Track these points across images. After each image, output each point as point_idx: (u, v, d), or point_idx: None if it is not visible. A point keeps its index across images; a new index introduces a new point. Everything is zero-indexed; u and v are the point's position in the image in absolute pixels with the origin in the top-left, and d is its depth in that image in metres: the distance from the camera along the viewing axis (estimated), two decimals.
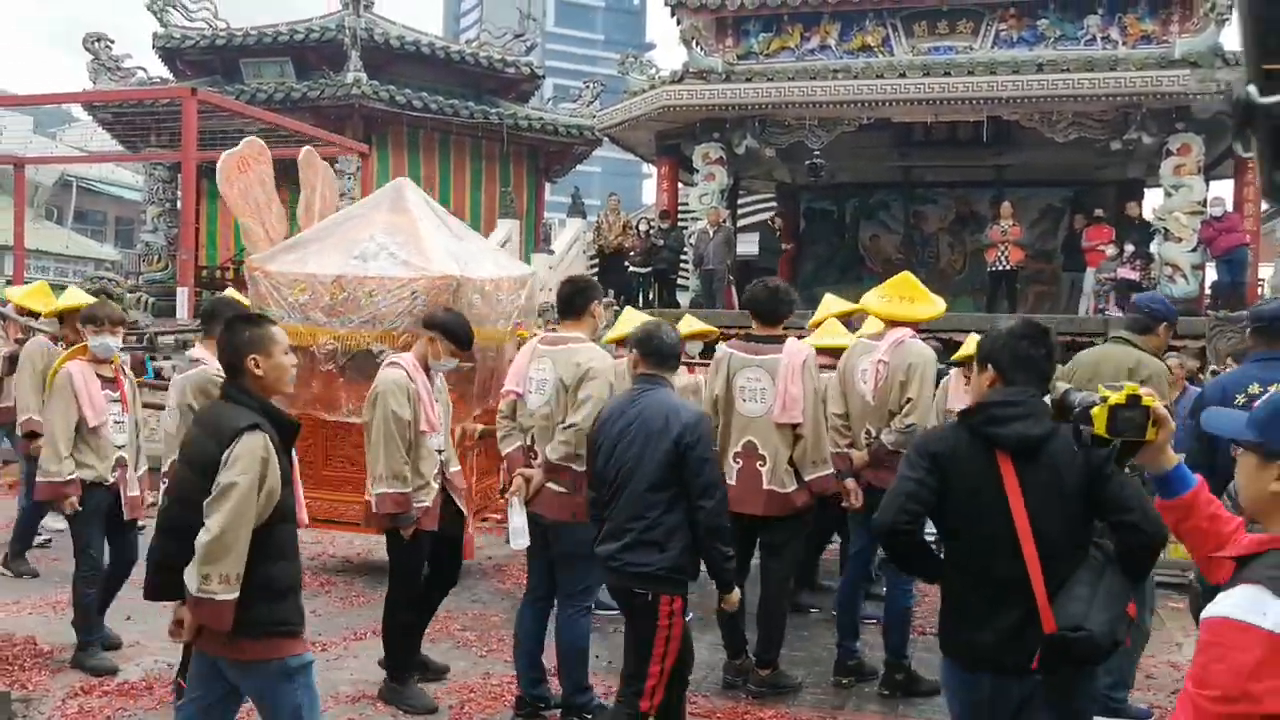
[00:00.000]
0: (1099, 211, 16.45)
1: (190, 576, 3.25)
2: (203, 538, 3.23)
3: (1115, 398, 2.42)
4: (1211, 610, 1.86)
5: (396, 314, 7.08)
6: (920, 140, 18.06)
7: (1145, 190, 18.50)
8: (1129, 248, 15.36)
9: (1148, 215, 16.49)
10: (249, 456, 3.26)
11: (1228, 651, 1.79)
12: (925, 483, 3.13)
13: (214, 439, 3.32)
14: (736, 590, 4.44)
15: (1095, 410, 2.44)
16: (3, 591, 6.24)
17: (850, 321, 7.70)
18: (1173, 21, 15.60)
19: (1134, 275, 15.17)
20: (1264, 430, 2.02)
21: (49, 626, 6.25)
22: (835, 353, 6.56)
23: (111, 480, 5.73)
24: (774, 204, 21.37)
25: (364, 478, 5.47)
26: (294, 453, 3.62)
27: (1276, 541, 1.93)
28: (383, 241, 7.40)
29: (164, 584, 3.42)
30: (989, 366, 3.22)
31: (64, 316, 7.55)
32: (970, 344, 7.56)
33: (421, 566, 5.38)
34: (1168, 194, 15.13)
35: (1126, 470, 2.59)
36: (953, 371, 7.85)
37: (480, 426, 7.48)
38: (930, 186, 19.91)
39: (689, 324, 7.74)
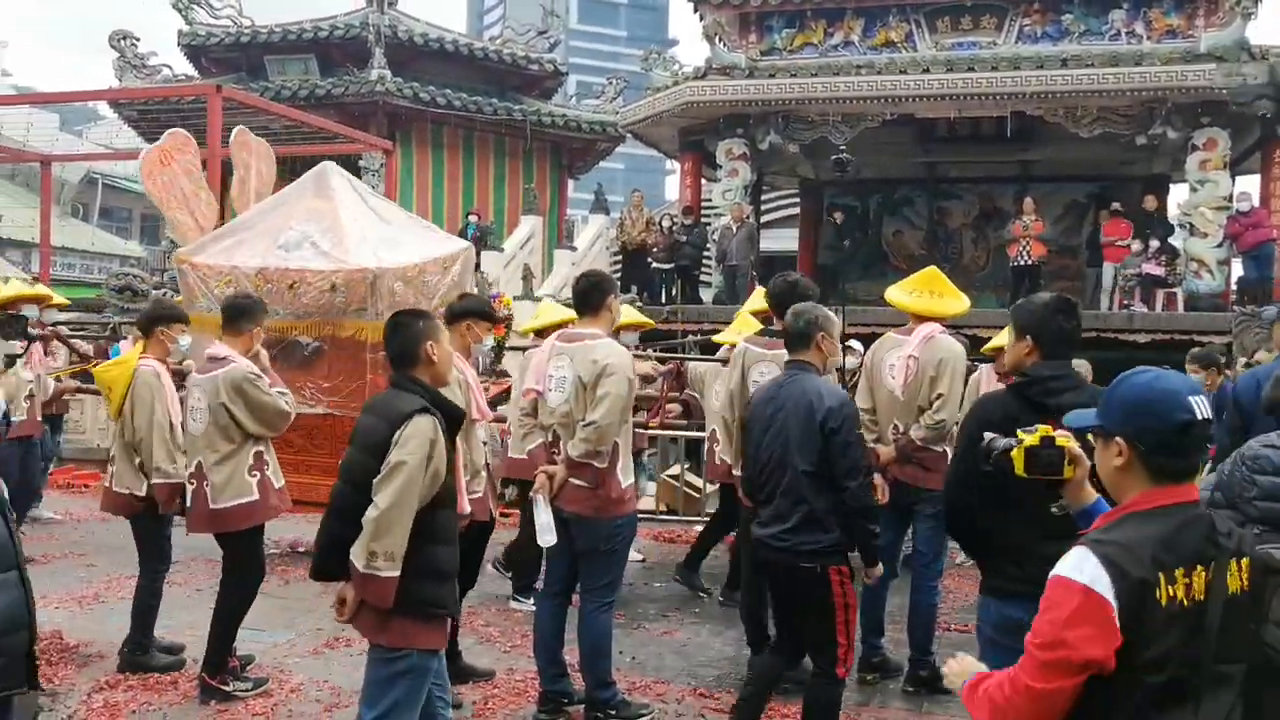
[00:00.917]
0: (1116, 206, 16.33)
1: (357, 553, 3.41)
2: (370, 513, 3.39)
3: (1030, 440, 2.49)
4: (1051, 571, 2.13)
5: (318, 306, 7.36)
6: (944, 136, 18.01)
7: (1171, 185, 18.36)
8: (1154, 243, 15.24)
9: (1173, 210, 16.37)
10: (419, 438, 3.44)
11: (1052, 604, 2.08)
12: None
13: (386, 421, 3.50)
14: (880, 565, 4.54)
15: (1014, 452, 2.52)
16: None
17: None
18: (1198, 15, 15.46)
19: (1159, 271, 15.07)
20: (1100, 414, 2.29)
21: (74, 622, 6.30)
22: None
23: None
24: (797, 200, 21.33)
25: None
26: (458, 441, 3.80)
27: (1114, 514, 2.23)
28: (305, 230, 7.56)
29: (330, 563, 3.58)
30: (1028, 338, 3.47)
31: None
32: (1003, 337, 7.51)
33: (477, 562, 5.45)
34: (1193, 189, 15.03)
35: (1054, 509, 2.66)
36: (984, 367, 7.81)
37: None
38: (954, 182, 19.82)
39: (628, 314, 7.76)
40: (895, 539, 5.68)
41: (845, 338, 9.13)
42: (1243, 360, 10.01)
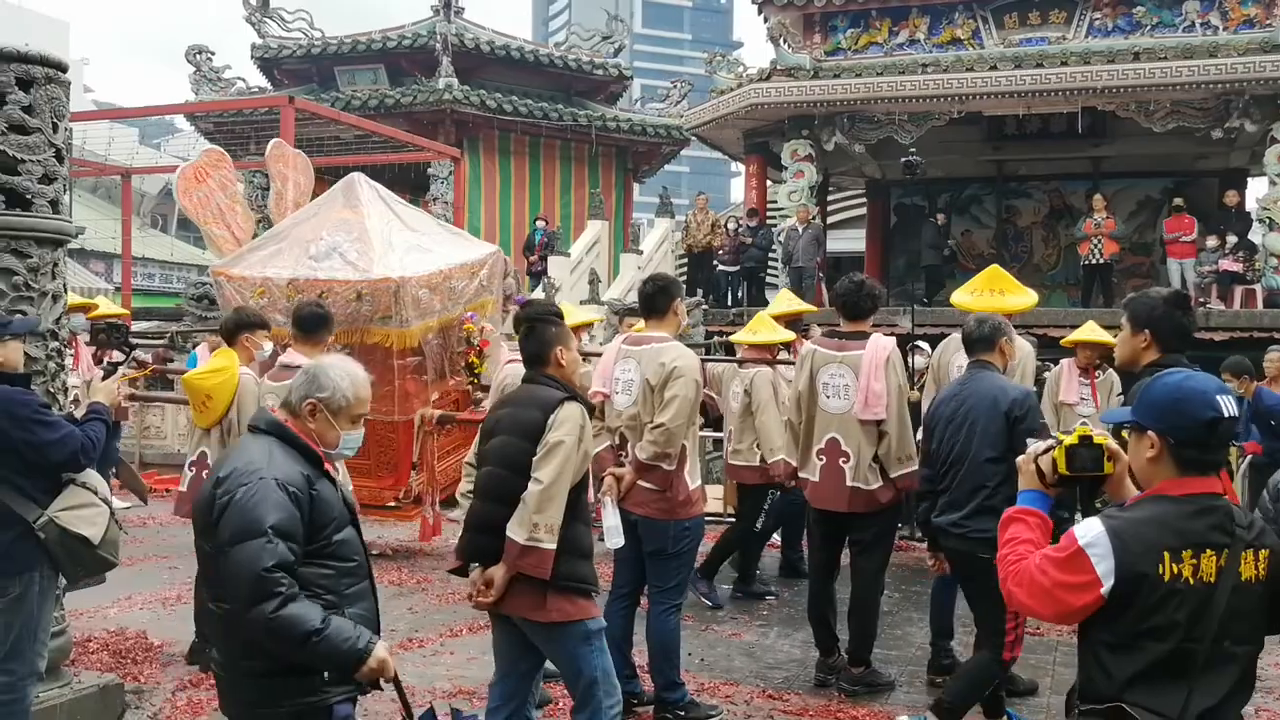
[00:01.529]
0: (1178, 202, 16.01)
1: (518, 528, 3.67)
2: (533, 489, 3.67)
3: (1069, 440, 2.61)
4: None
5: (346, 315, 7.67)
6: (1012, 133, 17.78)
7: (1249, 180, 17.93)
8: (1231, 239, 14.91)
9: (1250, 205, 15.99)
10: (571, 421, 3.76)
11: (1058, 548, 2.45)
12: None
13: (538, 408, 3.79)
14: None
15: (1055, 452, 2.62)
16: (115, 587, 6.49)
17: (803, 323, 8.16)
18: (1276, 4, 15.07)
19: (1236, 267, 14.76)
20: (1135, 411, 2.52)
21: (159, 622, 6.48)
22: (768, 347, 7.18)
23: None
24: (864, 200, 21.19)
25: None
26: None
27: (1138, 498, 2.49)
28: (335, 240, 7.87)
29: (481, 546, 3.81)
30: (1146, 332, 3.58)
31: None
32: (1085, 331, 7.43)
33: None
34: (1272, 183, 14.66)
35: (1096, 505, 2.84)
36: (1065, 362, 7.74)
37: (439, 412, 7.93)
38: (1023, 180, 19.54)
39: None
40: None
41: (914, 339, 9.14)
42: None
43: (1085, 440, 2.59)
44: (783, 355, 7.46)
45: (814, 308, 10.02)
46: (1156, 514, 2.40)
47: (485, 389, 8.59)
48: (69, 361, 6.99)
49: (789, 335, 7.46)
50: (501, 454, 3.83)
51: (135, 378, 9.40)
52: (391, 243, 7.95)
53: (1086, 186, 18.07)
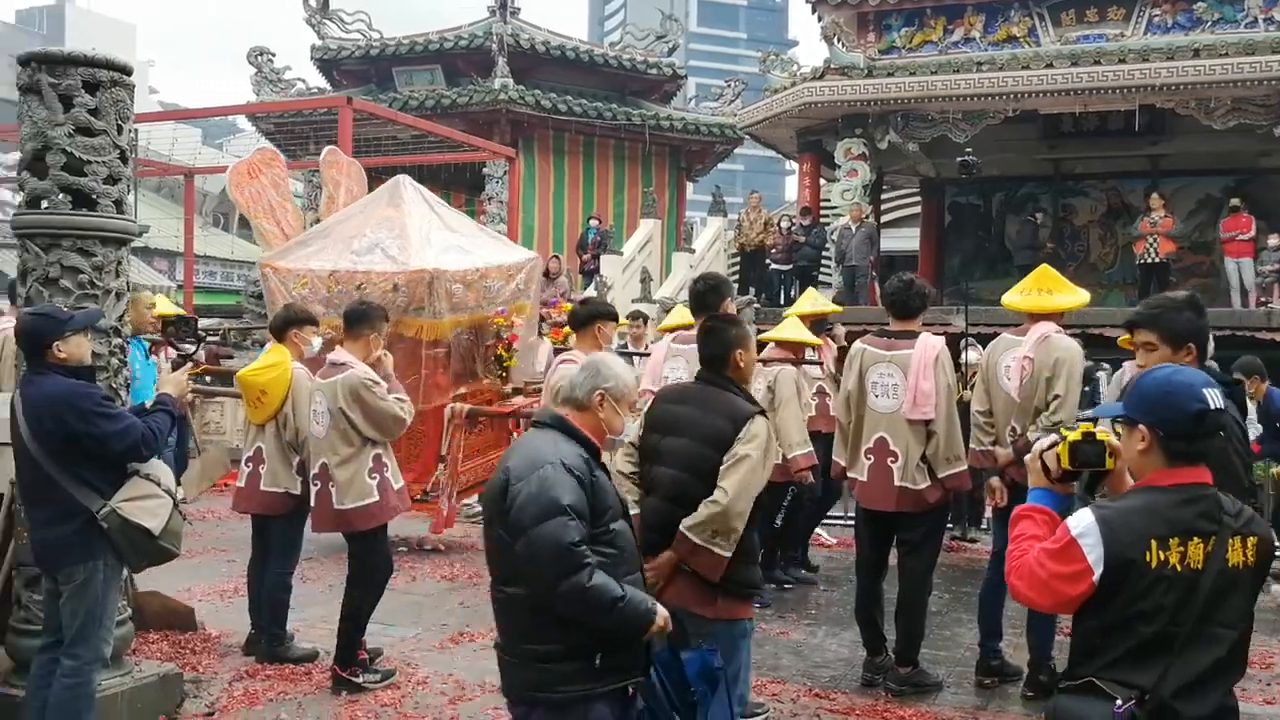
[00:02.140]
0: (1235, 202, 15.74)
1: (695, 527, 3.79)
2: (719, 497, 3.78)
3: (1073, 435, 2.70)
4: None
5: (381, 305, 7.72)
6: (1069, 131, 17.55)
7: None
8: None
9: None
10: (760, 436, 3.88)
11: (1054, 542, 2.53)
12: None
13: (727, 419, 3.89)
14: None
15: (1059, 448, 2.72)
16: (174, 579, 6.62)
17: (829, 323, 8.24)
18: None
19: None
20: (1126, 405, 2.62)
21: (217, 614, 6.60)
22: (795, 347, 7.30)
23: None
24: (918, 199, 21.04)
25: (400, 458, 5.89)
26: None
27: (1130, 491, 2.59)
28: (376, 237, 8.11)
29: (657, 543, 3.89)
30: (1191, 346, 3.49)
31: None
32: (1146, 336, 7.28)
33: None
34: None
35: (1096, 496, 2.87)
36: (1127, 364, 7.61)
37: (469, 406, 8.06)
38: (1080, 179, 19.29)
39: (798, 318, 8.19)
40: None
41: (965, 338, 9.07)
42: None
43: (1088, 436, 2.69)
44: (809, 355, 7.61)
45: (839, 308, 10.05)
46: (1146, 503, 2.51)
47: (510, 382, 8.75)
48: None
49: (815, 340, 7.62)
50: (686, 459, 3.92)
51: (194, 373, 9.64)
52: (430, 239, 8.16)
53: (1145, 185, 17.80)
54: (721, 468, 3.80)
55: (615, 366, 3.33)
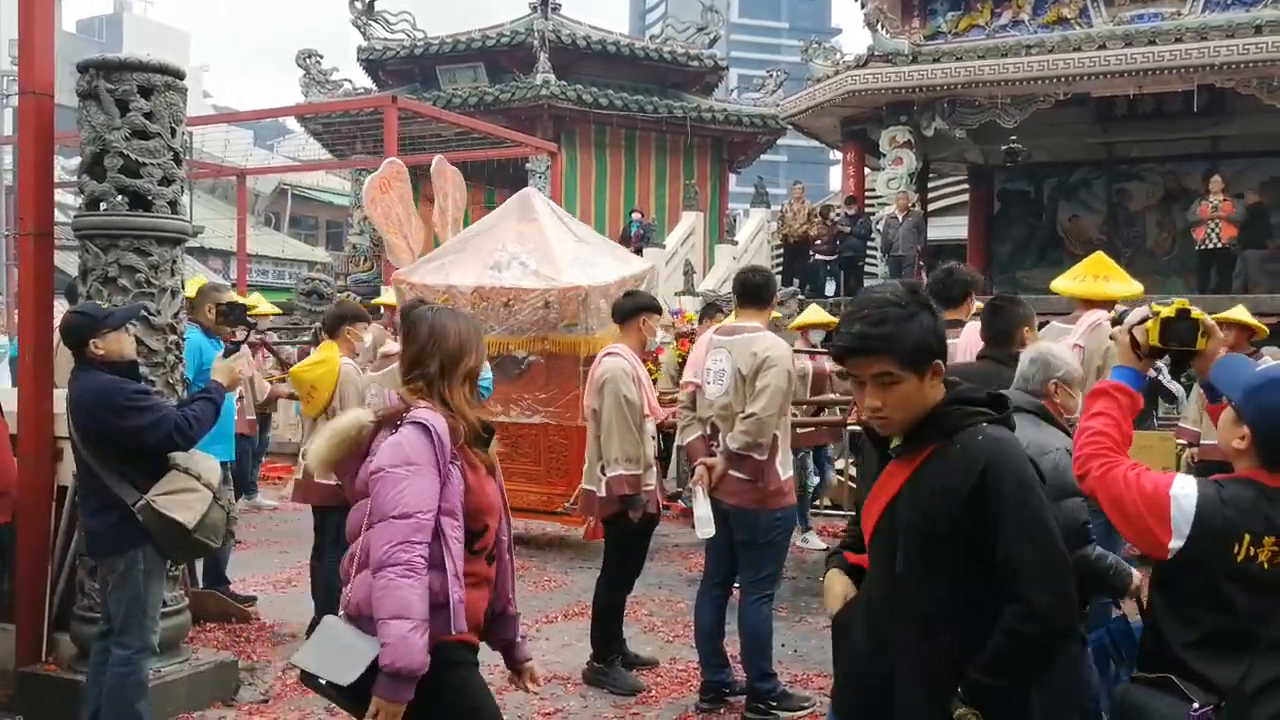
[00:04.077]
0: None
1: None
2: None
3: (1166, 311, 2.57)
4: None
5: (533, 322, 8.06)
6: (1123, 114, 17.18)
7: None
8: None
9: None
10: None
11: (1152, 481, 2.46)
12: None
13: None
14: None
15: (1149, 324, 2.58)
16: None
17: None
18: None
19: None
20: (1246, 398, 2.45)
21: (271, 604, 6.72)
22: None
23: None
24: (966, 186, 20.80)
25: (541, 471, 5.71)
26: None
27: (1240, 475, 2.49)
28: (514, 251, 8.24)
29: None
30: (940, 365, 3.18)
31: None
32: (1236, 312, 6.74)
33: (644, 550, 5.65)
34: None
35: (1182, 379, 2.75)
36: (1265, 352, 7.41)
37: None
38: (1135, 163, 18.88)
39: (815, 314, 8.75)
40: None
41: None
42: None
43: (1183, 313, 2.56)
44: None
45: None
46: (1250, 496, 2.42)
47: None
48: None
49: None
50: None
51: (282, 377, 9.80)
52: (573, 255, 8.33)
53: (1204, 168, 17.39)
54: None
55: (1064, 355, 3.79)
